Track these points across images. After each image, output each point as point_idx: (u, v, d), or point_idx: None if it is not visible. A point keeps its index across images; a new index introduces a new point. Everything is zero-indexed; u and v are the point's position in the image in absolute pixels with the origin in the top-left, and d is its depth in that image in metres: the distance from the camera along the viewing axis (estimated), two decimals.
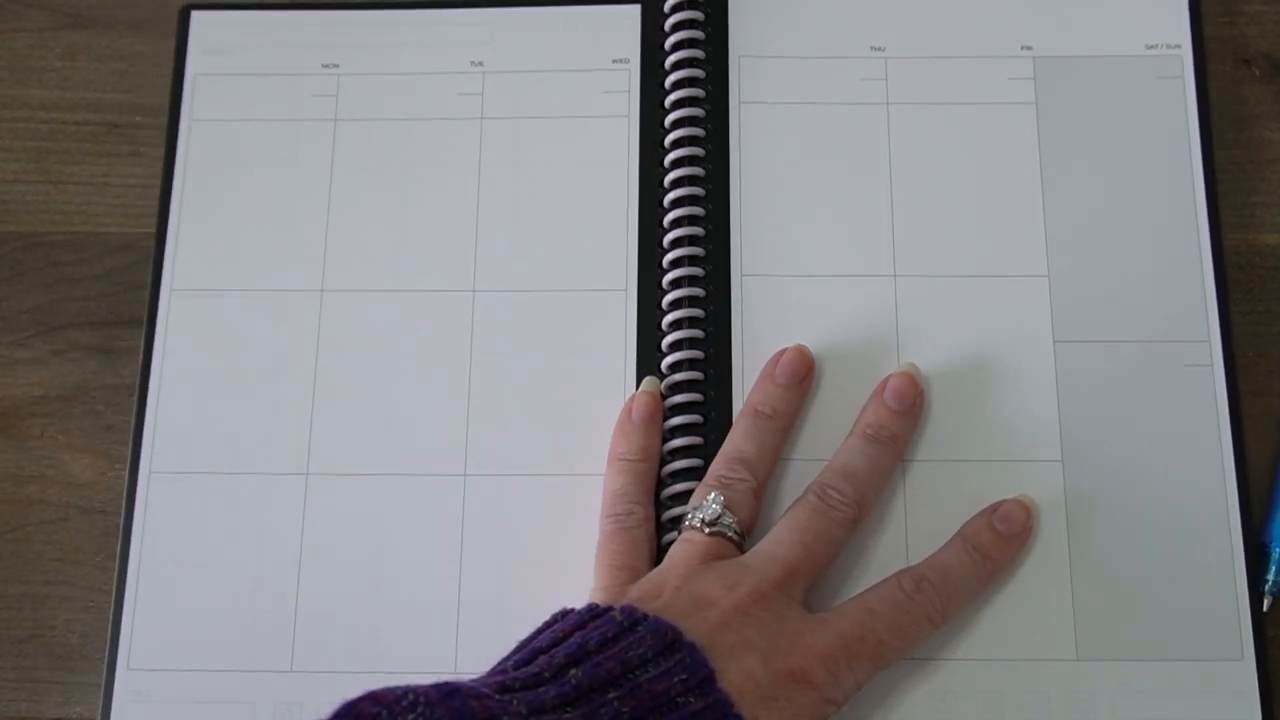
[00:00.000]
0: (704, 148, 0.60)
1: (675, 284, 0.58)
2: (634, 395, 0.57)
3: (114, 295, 0.61)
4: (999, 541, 0.54)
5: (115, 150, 0.63)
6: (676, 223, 0.59)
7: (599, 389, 0.58)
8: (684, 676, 0.46)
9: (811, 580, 0.52)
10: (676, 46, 0.62)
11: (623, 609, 0.48)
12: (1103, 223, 0.59)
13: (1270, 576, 0.55)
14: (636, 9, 0.63)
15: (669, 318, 0.58)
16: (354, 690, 0.53)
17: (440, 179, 0.61)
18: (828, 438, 0.56)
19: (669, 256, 0.59)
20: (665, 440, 0.56)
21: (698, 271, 0.58)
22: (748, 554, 0.52)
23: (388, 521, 0.56)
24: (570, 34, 0.63)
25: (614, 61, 0.62)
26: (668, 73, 0.61)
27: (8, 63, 0.65)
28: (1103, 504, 0.55)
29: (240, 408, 0.58)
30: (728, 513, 0.53)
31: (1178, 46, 0.61)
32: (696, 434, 0.56)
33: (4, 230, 0.62)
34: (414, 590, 0.55)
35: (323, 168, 0.61)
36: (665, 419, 0.57)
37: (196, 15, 0.64)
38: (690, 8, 0.62)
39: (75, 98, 0.64)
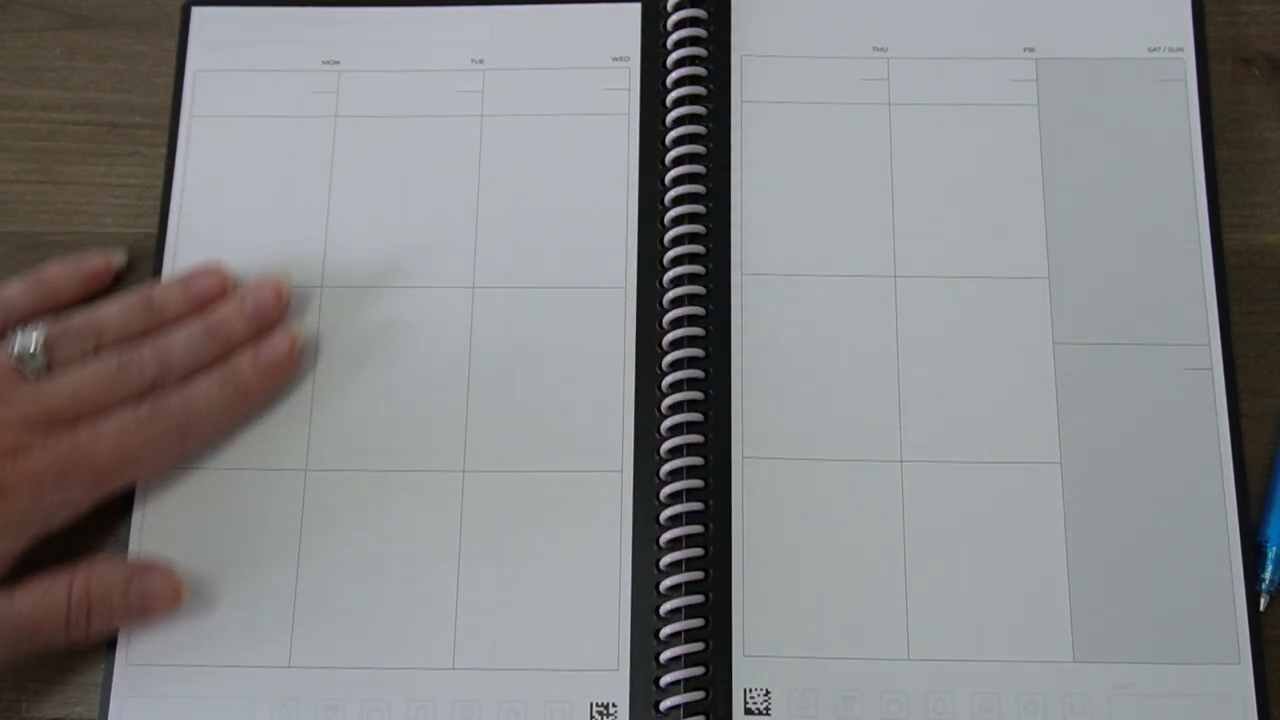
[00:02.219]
0: (705, 146, 0.60)
1: (675, 282, 0.58)
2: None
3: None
4: (256, 371, 0.56)
5: (115, 150, 0.63)
6: (677, 220, 0.59)
7: (598, 386, 0.58)
8: None
9: (69, 424, 0.53)
10: (678, 45, 0.62)
11: None
12: (1103, 225, 0.59)
13: (1266, 575, 0.55)
14: (637, 7, 0.63)
15: (669, 316, 0.58)
16: (352, 686, 0.54)
17: (440, 176, 0.61)
18: (826, 437, 0.56)
19: (669, 254, 0.59)
20: (664, 439, 0.56)
21: (698, 270, 0.58)
22: (30, 382, 0.53)
23: (386, 517, 0.56)
24: (571, 31, 0.63)
25: (614, 59, 0.62)
26: (669, 71, 0.61)
27: (8, 63, 0.65)
28: (1100, 506, 0.55)
29: None
30: (40, 355, 0.54)
31: (1180, 49, 0.61)
32: (696, 433, 0.56)
33: (4, 230, 0.62)
34: (412, 587, 0.55)
35: (323, 164, 0.61)
36: (664, 417, 0.57)
37: (197, 11, 0.63)
38: (692, 6, 0.62)
39: (75, 98, 0.64)
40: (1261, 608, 0.55)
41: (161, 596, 0.54)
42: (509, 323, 0.59)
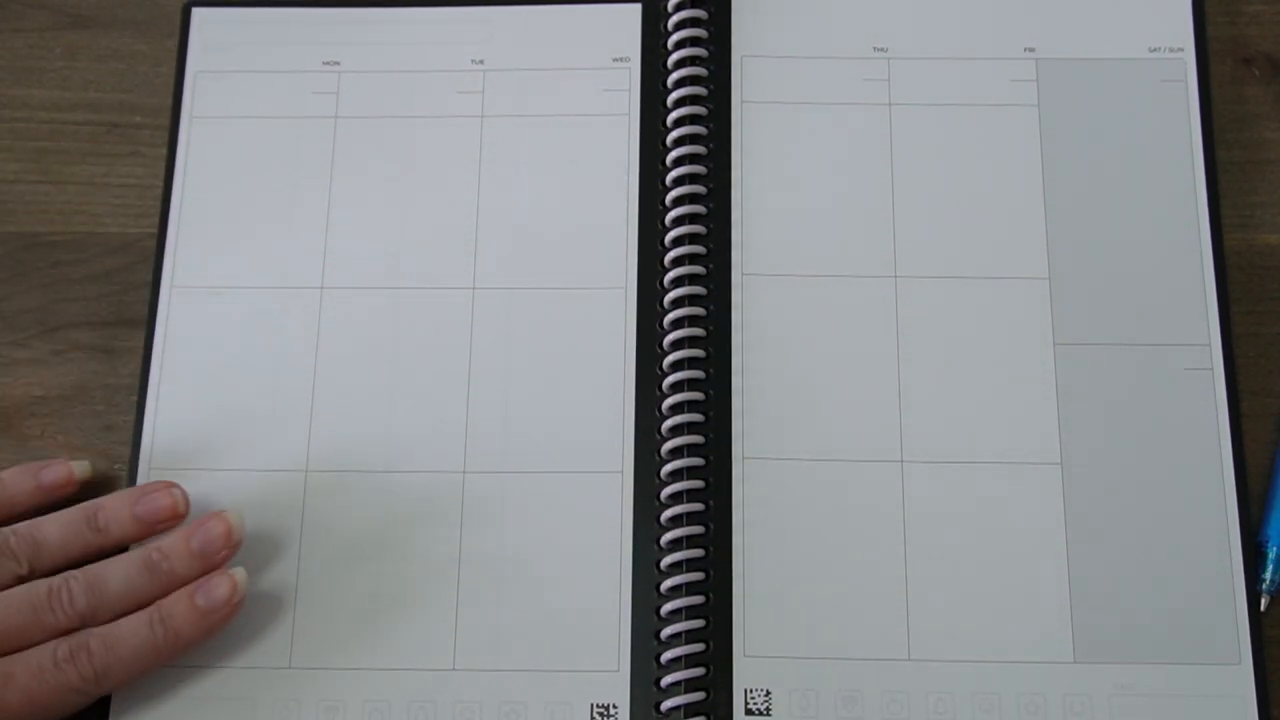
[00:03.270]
0: (705, 147, 0.60)
1: (676, 282, 0.58)
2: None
3: (114, 295, 0.61)
4: (193, 615, 0.52)
5: (115, 150, 0.63)
6: (677, 221, 0.59)
7: (598, 386, 0.58)
8: None
9: None
10: (678, 45, 0.62)
11: None
12: (1103, 225, 0.59)
13: (1267, 575, 0.55)
14: (637, 8, 0.63)
15: (669, 317, 0.58)
16: (352, 687, 0.54)
17: (440, 177, 0.61)
18: (826, 437, 0.56)
19: (670, 255, 0.59)
20: (664, 439, 0.56)
21: (698, 270, 0.58)
22: None
23: (386, 518, 0.56)
24: (571, 32, 0.63)
25: (615, 60, 0.62)
26: (669, 72, 0.61)
27: (8, 63, 0.65)
28: (1100, 507, 0.55)
29: (240, 406, 0.58)
30: None
31: (1180, 50, 0.61)
32: (696, 433, 0.56)
33: (4, 230, 0.62)
34: (413, 587, 0.55)
35: (323, 165, 0.61)
36: (664, 418, 0.57)
37: (197, 12, 0.63)
38: (692, 7, 0.62)
39: (75, 98, 0.64)
40: (1262, 608, 0.55)
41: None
42: (509, 323, 0.59)
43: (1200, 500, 0.55)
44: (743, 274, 0.59)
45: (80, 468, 0.57)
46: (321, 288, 0.59)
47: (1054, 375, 0.57)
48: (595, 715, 0.54)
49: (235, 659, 0.55)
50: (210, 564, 0.54)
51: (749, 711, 0.53)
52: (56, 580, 0.52)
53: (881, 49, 0.62)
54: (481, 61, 0.63)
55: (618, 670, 0.54)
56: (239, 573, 0.53)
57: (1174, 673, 0.53)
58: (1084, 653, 0.54)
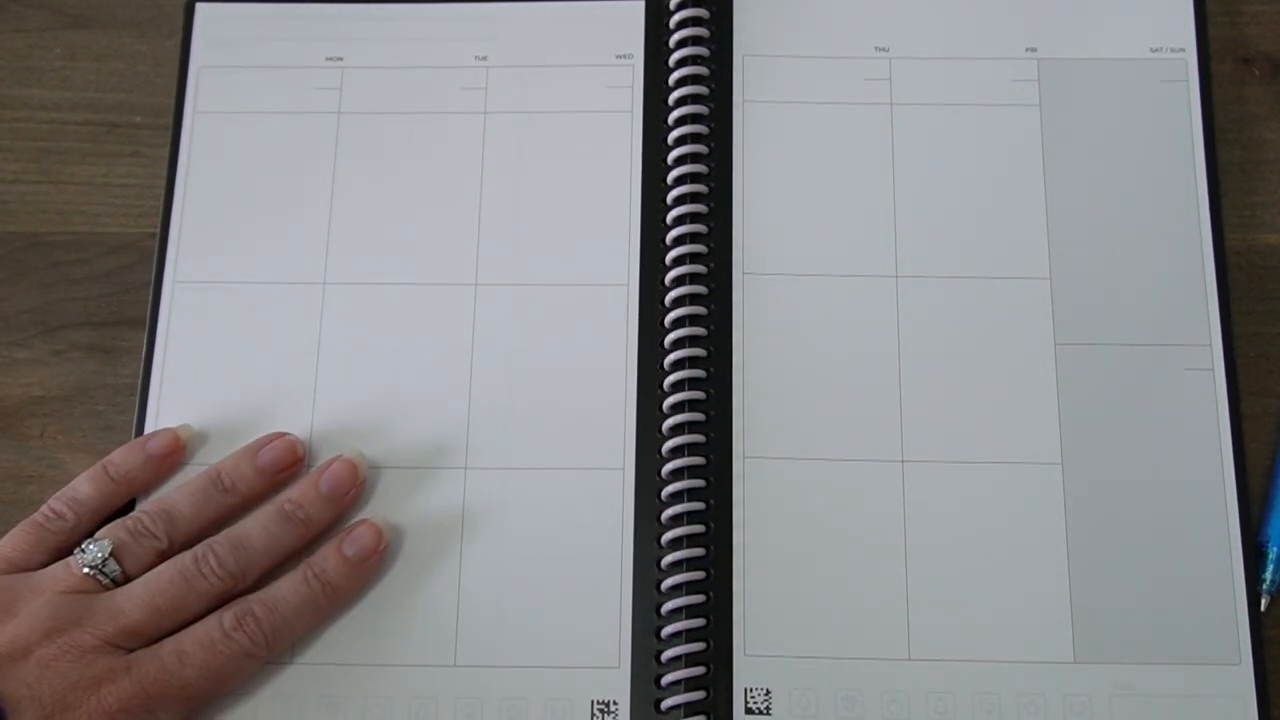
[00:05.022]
0: (707, 145, 0.60)
1: (677, 281, 0.58)
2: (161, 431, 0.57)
3: (114, 295, 0.61)
4: (345, 567, 0.54)
5: (115, 150, 0.63)
6: (679, 220, 0.59)
7: (599, 385, 0.58)
8: None
9: (151, 637, 0.51)
10: (681, 44, 0.62)
11: None
12: (1105, 226, 0.59)
13: (1267, 575, 0.55)
14: (640, 5, 0.63)
15: (671, 315, 0.58)
16: (353, 683, 0.54)
17: (443, 173, 0.61)
18: (827, 437, 0.56)
19: (671, 254, 0.59)
20: (665, 438, 0.56)
21: (700, 269, 0.58)
22: (104, 595, 0.51)
23: (389, 515, 0.56)
24: (574, 29, 0.63)
25: (617, 57, 0.62)
26: (671, 69, 0.61)
27: (8, 63, 0.65)
28: (1101, 506, 0.55)
29: (241, 402, 0.58)
30: (112, 561, 0.52)
31: (1182, 50, 0.61)
32: (697, 432, 0.56)
33: (4, 230, 0.62)
34: (414, 584, 0.55)
35: (326, 161, 0.61)
36: (665, 417, 0.57)
37: (201, 8, 0.63)
38: (695, 5, 0.62)
39: (75, 98, 0.64)
40: (1262, 608, 0.55)
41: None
42: (511, 320, 0.59)
43: (1200, 500, 0.55)
44: (744, 273, 0.59)
45: (184, 430, 0.57)
46: (324, 283, 0.59)
47: (1054, 375, 0.57)
48: (595, 712, 0.54)
49: None
50: (342, 505, 0.55)
51: (749, 711, 0.53)
52: (200, 548, 0.53)
53: (883, 49, 0.62)
54: (485, 58, 0.63)
55: (618, 668, 0.54)
56: (381, 520, 0.55)
57: (1174, 673, 0.53)
58: (1084, 653, 0.54)
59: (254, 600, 0.52)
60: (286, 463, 0.56)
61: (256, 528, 0.54)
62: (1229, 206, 0.60)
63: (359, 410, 0.58)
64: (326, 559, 0.54)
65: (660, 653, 0.54)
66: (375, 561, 0.55)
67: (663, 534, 0.55)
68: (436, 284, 0.59)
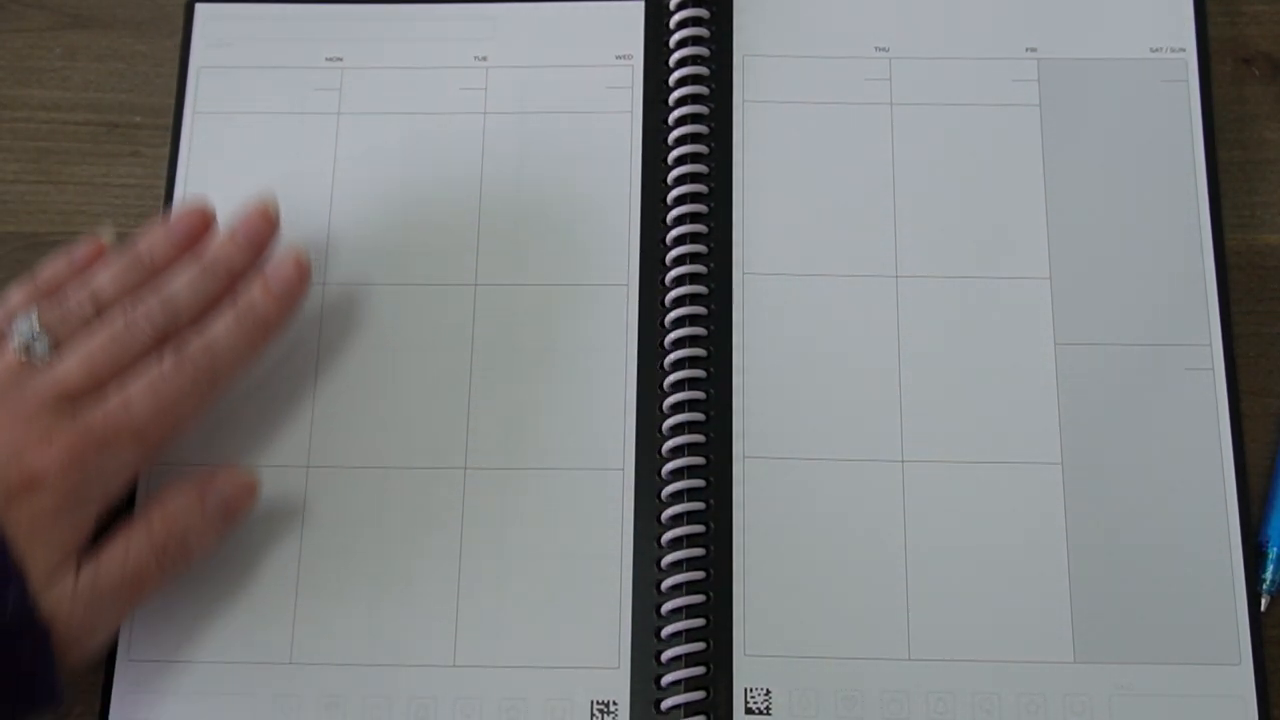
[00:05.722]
0: (707, 145, 0.60)
1: (677, 281, 0.58)
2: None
3: None
4: (270, 299, 0.55)
5: (115, 150, 0.63)
6: (679, 220, 0.59)
7: (599, 385, 0.58)
8: None
9: (94, 395, 0.51)
10: (680, 44, 0.62)
11: None
12: (1105, 225, 0.59)
13: (1267, 575, 0.55)
14: (640, 5, 0.63)
15: (671, 315, 0.58)
16: (353, 683, 0.54)
17: (443, 173, 0.61)
18: (827, 437, 0.56)
19: (671, 254, 0.59)
20: (665, 438, 0.57)
21: (700, 269, 0.58)
22: (40, 369, 0.51)
23: (388, 514, 0.56)
24: (574, 29, 0.63)
25: (617, 58, 0.62)
26: (671, 70, 0.61)
27: (8, 63, 0.65)
28: (1101, 507, 0.56)
29: (242, 401, 0.58)
30: (42, 337, 0.52)
31: (1182, 50, 0.61)
32: (696, 432, 0.56)
33: (4, 230, 0.62)
34: (413, 583, 0.55)
35: (325, 161, 0.61)
36: (665, 417, 0.57)
37: (200, 8, 0.63)
38: (694, 5, 0.62)
39: (75, 98, 0.64)
40: (1262, 608, 0.55)
41: (238, 498, 0.54)
42: (511, 320, 0.59)
43: (1200, 500, 0.55)
44: (744, 273, 0.59)
45: (105, 234, 0.57)
46: (324, 284, 0.59)
47: (1054, 375, 0.57)
48: (595, 712, 0.54)
49: (236, 654, 0.55)
50: (261, 246, 0.56)
51: (749, 710, 0.53)
52: (126, 305, 0.53)
53: (883, 49, 0.62)
54: (485, 58, 0.63)
55: (618, 667, 0.54)
56: (300, 249, 0.56)
57: (1174, 673, 0.53)
58: (1084, 653, 0.54)
59: (190, 338, 0.53)
60: (201, 230, 0.56)
61: (180, 283, 0.54)
62: (1229, 206, 0.60)
63: (358, 411, 0.58)
64: (253, 294, 0.54)
65: (660, 653, 0.54)
66: (302, 290, 0.56)
67: (663, 534, 0.55)
68: (436, 284, 0.59)
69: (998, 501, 0.56)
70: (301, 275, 0.56)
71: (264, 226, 0.56)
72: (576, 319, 0.59)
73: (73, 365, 0.51)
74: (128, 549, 0.51)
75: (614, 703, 0.54)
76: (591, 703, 0.54)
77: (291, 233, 0.60)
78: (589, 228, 0.60)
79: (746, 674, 0.54)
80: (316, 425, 0.58)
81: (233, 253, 0.55)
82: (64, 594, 0.48)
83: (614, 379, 0.58)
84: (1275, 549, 0.55)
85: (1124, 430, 0.56)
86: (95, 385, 0.51)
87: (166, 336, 0.53)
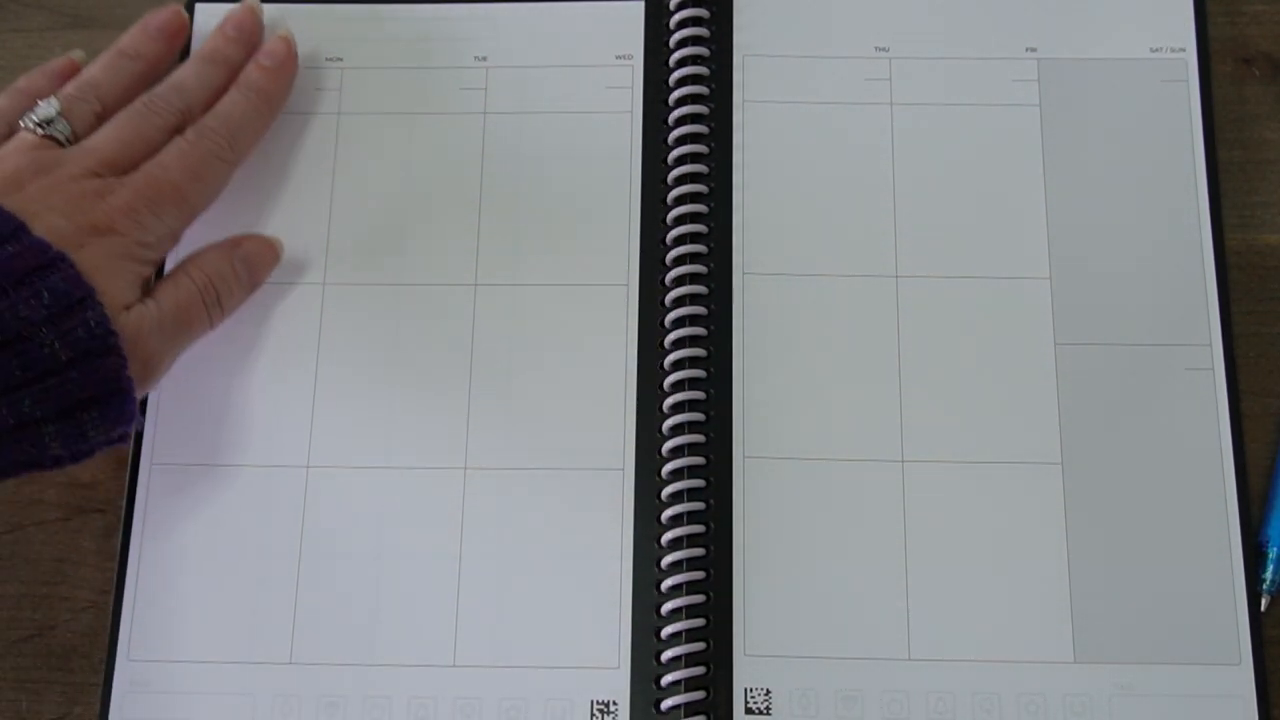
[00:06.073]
0: (707, 145, 0.60)
1: (677, 281, 0.58)
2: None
3: None
4: (267, 75, 0.60)
5: None
6: (679, 220, 0.59)
7: (599, 385, 0.58)
8: None
9: (126, 167, 0.55)
10: (681, 44, 0.62)
11: None
12: (1105, 225, 0.59)
13: (1267, 576, 0.55)
14: (640, 5, 0.63)
15: (671, 315, 0.58)
16: (353, 683, 0.54)
17: (442, 173, 0.61)
18: (826, 437, 0.56)
19: (671, 254, 0.59)
20: (665, 439, 0.57)
21: (700, 269, 0.58)
22: (71, 146, 0.55)
23: (388, 514, 0.56)
24: (574, 29, 0.63)
25: (617, 58, 0.62)
26: (671, 70, 0.61)
27: (8, 63, 0.65)
28: (1101, 506, 0.55)
29: (241, 401, 0.58)
30: (61, 119, 0.56)
31: (1182, 50, 0.61)
32: (697, 432, 0.56)
33: None
34: (413, 583, 0.55)
35: (325, 161, 0.61)
36: (665, 417, 0.57)
37: (201, 8, 0.63)
38: (694, 5, 0.62)
39: None
40: (1262, 608, 0.55)
41: (262, 255, 0.59)
42: (511, 320, 0.59)
43: (1200, 500, 0.55)
44: (744, 273, 0.59)
45: (76, 53, 0.60)
46: (324, 284, 0.59)
47: (1054, 375, 0.57)
48: (595, 712, 0.54)
49: (236, 654, 0.55)
50: (251, 40, 0.61)
51: (749, 710, 0.53)
52: (144, 95, 0.58)
53: (883, 48, 0.62)
54: (485, 58, 0.63)
55: (618, 668, 0.54)
56: (285, 32, 0.62)
57: (1174, 673, 0.53)
58: (1084, 653, 0.54)
59: (205, 117, 0.58)
60: (175, 25, 0.61)
61: (188, 73, 0.59)
62: (1229, 206, 0.60)
63: (358, 410, 0.58)
64: (250, 74, 0.60)
65: (660, 653, 0.54)
66: (292, 64, 0.61)
67: (663, 534, 0.55)
68: (436, 284, 0.59)
69: (997, 501, 0.56)
70: (290, 50, 0.61)
71: (249, 20, 0.61)
72: (576, 319, 0.59)
73: (102, 137, 0.56)
74: (177, 288, 0.55)
75: (614, 703, 0.54)
76: (591, 703, 0.54)
77: (292, 233, 0.60)
78: (589, 228, 0.60)
79: (746, 674, 0.54)
80: (316, 425, 0.57)
81: (226, 45, 0.60)
82: (134, 319, 0.52)
83: (614, 379, 0.58)
84: (1275, 549, 0.55)
85: (1124, 430, 0.56)
86: (126, 157, 0.55)
87: (182, 118, 0.58)
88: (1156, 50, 0.61)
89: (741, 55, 0.62)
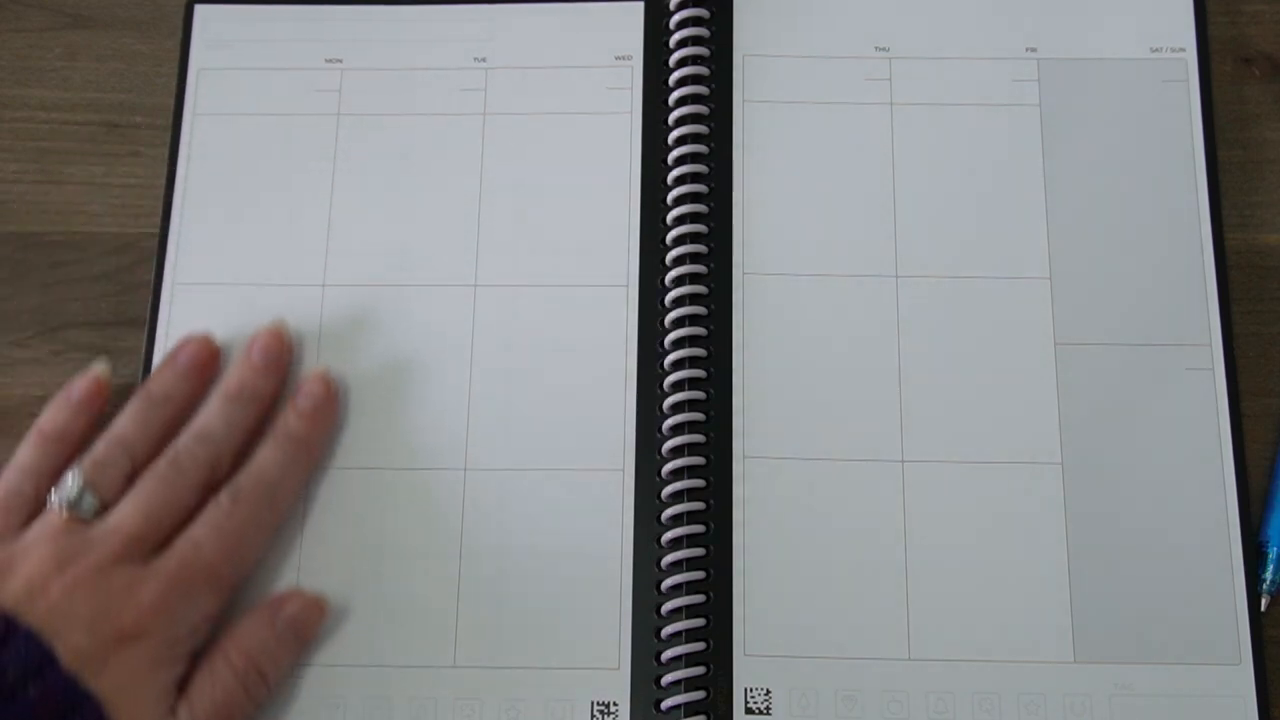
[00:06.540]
0: (707, 145, 0.60)
1: (677, 281, 0.58)
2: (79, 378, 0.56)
3: (114, 295, 0.61)
4: (305, 421, 0.56)
5: (115, 150, 0.63)
6: (679, 220, 0.59)
7: (599, 385, 0.58)
8: (21, 666, 0.46)
9: (157, 542, 0.52)
10: (680, 44, 0.62)
11: None
12: (1105, 225, 0.59)
13: (1267, 576, 0.55)
14: (639, 6, 0.63)
15: (671, 315, 0.58)
16: (353, 683, 0.54)
17: (443, 174, 0.61)
18: (826, 437, 0.56)
19: (671, 254, 0.59)
20: (665, 439, 0.57)
21: (700, 269, 0.58)
22: (95, 524, 0.52)
23: (389, 515, 0.56)
24: (573, 30, 0.63)
25: (617, 58, 0.62)
26: (671, 70, 0.61)
27: (8, 63, 0.65)
28: (1101, 506, 0.55)
29: None
30: (88, 493, 0.52)
31: (1182, 50, 0.61)
32: (696, 432, 0.56)
33: (4, 230, 0.62)
34: (414, 584, 0.55)
35: (325, 162, 0.61)
36: (665, 417, 0.57)
37: (200, 9, 0.63)
38: (694, 5, 0.62)
39: (75, 98, 0.64)
40: (1262, 608, 0.55)
41: (308, 616, 0.54)
42: (511, 321, 0.59)
43: (1200, 500, 0.55)
44: (744, 273, 0.59)
45: (100, 368, 0.57)
46: (324, 285, 0.59)
47: (1054, 375, 0.57)
48: (596, 713, 0.54)
49: None
50: (281, 370, 0.57)
51: (749, 710, 0.53)
52: (168, 451, 0.54)
53: (883, 48, 0.62)
54: (484, 59, 0.63)
55: (618, 668, 0.54)
56: (323, 369, 0.57)
57: (1174, 673, 0.53)
58: (1084, 653, 0.54)
59: (240, 476, 0.54)
60: (205, 357, 0.57)
61: (212, 416, 0.55)
62: (1229, 206, 0.60)
63: (358, 411, 0.58)
64: (287, 419, 0.56)
65: (660, 653, 0.54)
66: (333, 408, 0.57)
67: (663, 534, 0.55)
68: (436, 285, 0.59)
69: (998, 501, 0.56)
70: (330, 393, 0.57)
71: (279, 348, 0.57)
72: (576, 319, 0.59)
73: (128, 512, 0.52)
74: (213, 682, 0.51)
75: (614, 703, 0.54)
76: (592, 703, 0.54)
77: (291, 233, 0.60)
78: (589, 228, 0.60)
79: (746, 674, 0.54)
80: None
81: (253, 378, 0.56)
82: None
83: (614, 379, 0.58)
84: (1275, 549, 0.55)
85: (1124, 430, 0.56)
86: (155, 530, 0.52)
87: (213, 471, 0.54)
88: (1156, 50, 0.61)
89: (741, 55, 0.62)
